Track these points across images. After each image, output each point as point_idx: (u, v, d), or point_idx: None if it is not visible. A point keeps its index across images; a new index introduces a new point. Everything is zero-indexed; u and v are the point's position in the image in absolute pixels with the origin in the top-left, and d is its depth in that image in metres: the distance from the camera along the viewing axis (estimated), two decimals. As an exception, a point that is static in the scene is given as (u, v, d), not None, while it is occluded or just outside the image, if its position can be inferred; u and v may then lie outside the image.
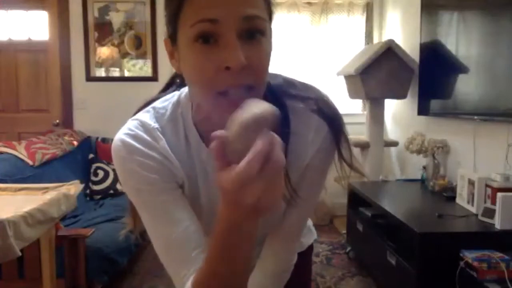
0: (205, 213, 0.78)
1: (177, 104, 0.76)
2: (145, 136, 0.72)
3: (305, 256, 1.02)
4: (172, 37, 0.66)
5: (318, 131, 0.74)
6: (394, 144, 3.46)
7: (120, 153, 0.73)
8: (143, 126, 0.73)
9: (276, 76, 0.76)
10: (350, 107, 3.90)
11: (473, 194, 2.17)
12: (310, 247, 1.06)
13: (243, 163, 0.47)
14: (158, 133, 0.72)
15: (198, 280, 0.64)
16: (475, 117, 2.36)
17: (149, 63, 3.77)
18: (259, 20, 0.60)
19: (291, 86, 0.76)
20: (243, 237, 0.56)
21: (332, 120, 0.74)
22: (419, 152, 2.81)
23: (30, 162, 2.77)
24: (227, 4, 0.57)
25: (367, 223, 2.60)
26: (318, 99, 0.75)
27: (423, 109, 2.90)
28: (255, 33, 0.60)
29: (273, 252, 0.83)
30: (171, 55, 0.70)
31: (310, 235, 1.06)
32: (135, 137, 0.72)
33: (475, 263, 1.76)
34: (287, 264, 0.86)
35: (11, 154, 2.75)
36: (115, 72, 3.80)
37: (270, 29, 0.65)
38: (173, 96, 0.78)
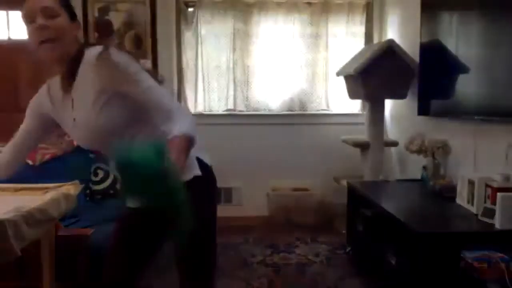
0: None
1: None
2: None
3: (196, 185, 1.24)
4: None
5: (96, 64, 1.18)
6: (394, 144, 3.46)
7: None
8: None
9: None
10: (350, 107, 3.91)
11: (473, 194, 2.17)
12: (193, 182, 1.25)
13: None
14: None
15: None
16: (475, 117, 2.36)
17: (149, 63, 3.76)
18: (51, 9, 1.17)
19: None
20: None
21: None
22: (419, 152, 2.81)
23: (30, 162, 2.77)
24: (35, 3, 1.16)
25: (367, 223, 2.60)
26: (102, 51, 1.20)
27: (423, 109, 2.90)
28: (52, 16, 1.17)
29: (171, 128, 1.12)
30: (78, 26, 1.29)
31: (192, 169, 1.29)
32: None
33: (475, 263, 1.76)
34: (184, 119, 1.14)
35: (11, 154, 2.74)
36: (115, 72, 3.79)
37: (66, 14, 1.19)
38: None
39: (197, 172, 1.30)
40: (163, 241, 1.39)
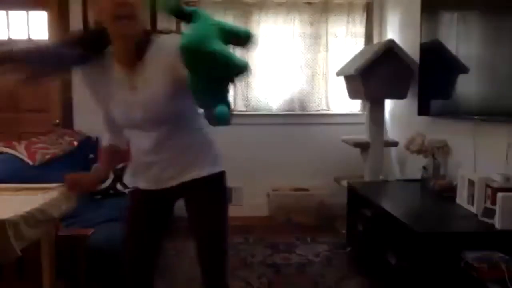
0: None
1: None
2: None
3: (219, 181, 1.42)
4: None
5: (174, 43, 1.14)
6: (394, 144, 3.46)
7: None
8: None
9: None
10: (350, 107, 3.91)
11: (473, 194, 2.17)
12: (221, 175, 1.43)
13: None
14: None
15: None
16: (475, 117, 2.36)
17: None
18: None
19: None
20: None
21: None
22: (419, 152, 2.81)
23: (30, 162, 2.78)
24: None
25: (367, 223, 2.60)
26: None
27: (423, 109, 2.90)
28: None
29: None
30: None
31: (219, 163, 1.43)
32: None
33: (476, 263, 1.76)
34: None
35: (11, 154, 2.75)
36: (115, 72, 3.79)
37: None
38: None
39: (222, 168, 1.44)
40: (171, 221, 1.51)
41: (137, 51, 1.26)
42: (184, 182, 1.37)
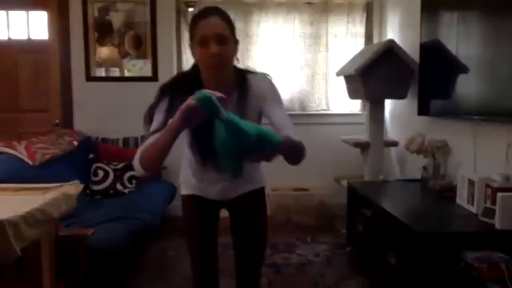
0: None
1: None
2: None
3: (260, 195, 1.65)
4: (191, 42, 1.38)
5: (264, 86, 1.43)
6: (394, 144, 3.46)
7: None
8: None
9: (244, 67, 1.51)
10: (350, 107, 3.91)
11: (473, 194, 2.17)
12: (263, 190, 1.66)
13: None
14: None
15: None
16: (475, 117, 2.36)
17: (149, 63, 3.77)
18: (224, 36, 1.32)
19: (249, 70, 1.50)
20: (170, 131, 1.16)
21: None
22: (419, 152, 2.81)
23: (30, 162, 2.78)
24: (210, 29, 1.31)
25: (367, 223, 2.60)
26: (262, 73, 1.49)
27: (423, 109, 2.90)
28: (223, 41, 1.31)
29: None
30: (192, 52, 1.40)
31: (262, 178, 1.66)
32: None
33: (475, 263, 1.76)
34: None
35: (11, 154, 2.75)
36: (115, 72, 3.80)
37: (234, 40, 1.38)
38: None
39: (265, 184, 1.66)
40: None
41: (244, 94, 1.40)
42: (244, 193, 1.56)
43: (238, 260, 1.59)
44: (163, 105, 1.34)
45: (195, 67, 1.43)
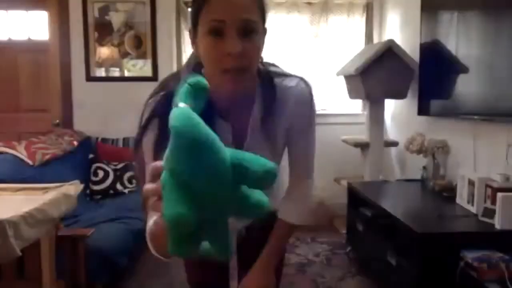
0: None
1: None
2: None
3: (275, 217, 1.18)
4: (194, 29, 0.88)
5: (295, 100, 1.00)
6: (394, 144, 3.46)
7: None
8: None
9: (269, 63, 1.06)
10: (350, 107, 3.91)
11: (473, 194, 2.17)
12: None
13: None
14: None
15: None
16: (475, 117, 2.36)
17: (149, 63, 3.77)
18: (253, 23, 0.84)
19: (277, 69, 1.06)
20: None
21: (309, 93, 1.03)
22: (419, 152, 2.81)
23: (30, 162, 2.78)
24: (231, 10, 0.81)
25: (367, 223, 2.60)
26: (297, 77, 1.03)
27: (423, 109, 2.90)
28: (250, 32, 0.84)
29: (292, 187, 1.13)
30: (192, 42, 0.91)
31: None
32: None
33: (475, 263, 1.76)
34: (306, 192, 1.14)
35: (11, 154, 2.75)
36: (115, 72, 3.80)
37: (263, 29, 0.90)
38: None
39: None
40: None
41: (269, 106, 0.98)
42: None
43: None
44: (149, 138, 0.91)
45: (196, 67, 0.95)
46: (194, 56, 0.98)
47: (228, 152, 0.51)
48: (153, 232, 0.77)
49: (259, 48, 0.89)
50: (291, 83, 1.01)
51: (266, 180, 0.51)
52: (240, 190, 0.53)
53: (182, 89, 0.54)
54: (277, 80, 1.00)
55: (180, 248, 0.54)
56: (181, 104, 0.52)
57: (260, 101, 0.98)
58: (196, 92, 0.54)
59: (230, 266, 1.33)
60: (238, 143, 0.98)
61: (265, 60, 0.99)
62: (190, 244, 0.54)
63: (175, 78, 0.98)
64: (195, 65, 0.95)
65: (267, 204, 0.54)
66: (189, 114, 0.49)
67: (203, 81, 0.55)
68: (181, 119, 0.48)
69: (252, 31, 0.84)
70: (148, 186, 0.54)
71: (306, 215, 1.12)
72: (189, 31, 0.90)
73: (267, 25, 0.93)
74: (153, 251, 0.81)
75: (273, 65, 1.08)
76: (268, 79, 0.99)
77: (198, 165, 0.48)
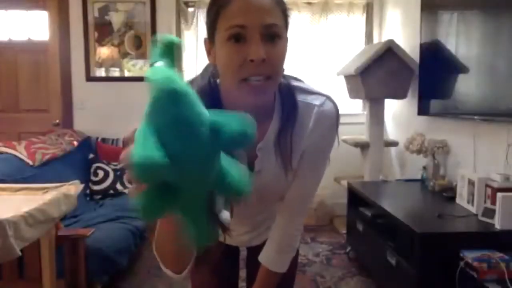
0: None
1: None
2: None
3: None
4: (210, 38, 0.82)
5: (317, 120, 0.90)
6: (394, 144, 3.46)
7: None
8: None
9: (293, 77, 0.97)
10: (350, 107, 3.91)
11: (473, 194, 2.17)
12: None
13: None
14: None
15: None
16: (475, 117, 2.36)
17: (149, 63, 3.77)
18: (277, 27, 0.78)
19: (301, 84, 0.96)
20: None
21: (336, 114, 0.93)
22: (419, 152, 2.81)
23: (30, 162, 2.77)
24: (253, 14, 0.75)
25: (367, 223, 2.60)
26: (323, 95, 0.93)
27: (423, 109, 2.90)
28: (273, 37, 0.78)
29: (280, 227, 1.03)
30: (208, 52, 0.85)
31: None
32: None
33: (475, 263, 1.76)
34: (292, 239, 1.06)
35: (11, 154, 2.74)
36: (115, 72, 3.80)
37: (286, 34, 0.83)
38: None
39: None
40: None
41: (265, 114, 0.89)
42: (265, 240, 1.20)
43: None
44: None
45: (212, 78, 0.89)
46: (209, 66, 0.92)
47: (209, 113, 0.50)
48: (156, 239, 0.75)
49: (284, 54, 0.81)
50: (315, 101, 0.91)
51: (243, 138, 0.50)
52: (219, 161, 0.51)
53: (156, 50, 0.54)
54: (300, 97, 0.91)
55: (151, 203, 0.49)
56: (158, 63, 0.52)
57: (278, 116, 0.89)
58: (170, 49, 0.54)
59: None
60: (250, 162, 0.90)
61: (285, 72, 0.88)
62: (162, 200, 0.49)
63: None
64: (212, 75, 0.89)
65: (248, 185, 0.52)
66: (166, 69, 0.50)
67: (176, 38, 0.56)
68: (158, 73, 0.48)
69: (276, 35, 0.78)
70: (127, 134, 0.52)
71: (290, 259, 1.06)
72: (204, 42, 0.85)
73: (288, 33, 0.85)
74: (163, 268, 0.82)
75: (296, 79, 0.98)
76: (289, 93, 0.90)
77: (175, 116, 0.46)
